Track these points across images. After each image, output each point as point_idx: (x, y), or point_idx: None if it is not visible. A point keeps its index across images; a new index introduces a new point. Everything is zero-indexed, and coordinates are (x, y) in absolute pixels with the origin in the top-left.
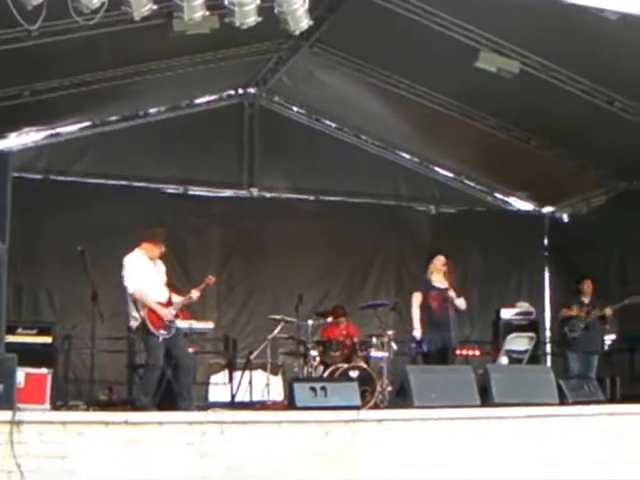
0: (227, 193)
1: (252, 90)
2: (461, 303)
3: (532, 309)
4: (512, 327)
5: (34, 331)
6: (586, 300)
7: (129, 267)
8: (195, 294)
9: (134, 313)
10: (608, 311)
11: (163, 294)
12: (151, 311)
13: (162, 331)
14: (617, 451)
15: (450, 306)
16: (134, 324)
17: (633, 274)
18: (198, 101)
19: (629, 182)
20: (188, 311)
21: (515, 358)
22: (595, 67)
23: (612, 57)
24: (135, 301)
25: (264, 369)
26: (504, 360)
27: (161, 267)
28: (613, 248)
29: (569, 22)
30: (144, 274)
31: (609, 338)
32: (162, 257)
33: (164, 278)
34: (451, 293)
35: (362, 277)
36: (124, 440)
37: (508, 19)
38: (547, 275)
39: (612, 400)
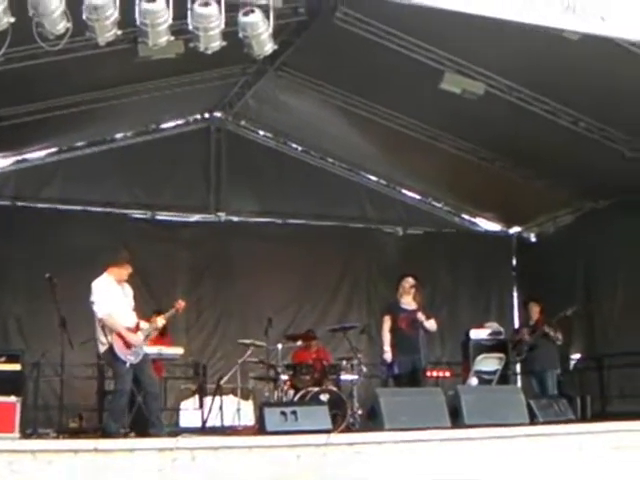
0: (195, 217)
1: (219, 114)
2: (431, 325)
3: (501, 329)
4: (482, 347)
5: (2, 359)
6: (532, 322)
7: (97, 292)
8: (160, 321)
9: (102, 338)
10: (546, 328)
11: (131, 319)
12: (119, 336)
13: (129, 357)
14: (588, 470)
15: (419, 327)
16: (102, 349)
17: (599, 293)
18: (165, 126)
19: (595, 201)
20: (167, 336)
21: (485, 379)
22: (559, 88)
23: (576, 77)
24: (103, 326)
25: (235, 394)
26: (474, 381)
27: (129, 291)
28: (580, 267)
29: (532, 43)
30: (112, 299)
31: (574, 357)
32: (130, 280)
33: (132, 302)
34: (420, 315)
35: (331, 300)
36: (94, 468)
37: (472, 41)
38: (515, 295)
39: (583, 419)
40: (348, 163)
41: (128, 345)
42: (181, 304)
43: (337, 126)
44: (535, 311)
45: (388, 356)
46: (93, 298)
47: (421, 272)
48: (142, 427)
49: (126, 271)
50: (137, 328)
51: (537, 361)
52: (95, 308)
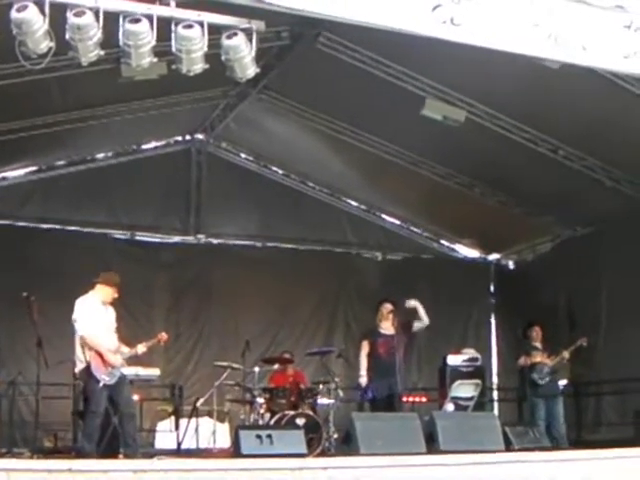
0: (174, 239)
1: (200, 136)
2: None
3: (478, 355)
4: (458, 374)
5: None
6: (539, 346)
7: (80, 310)
8: (141, 349)
9: (80, 356)
10: (565, 354)
11: (112, 341)
12: (97, 356)
13: (104, 376)
14: None
15: (397, 352)
16: (79, 367)
17: (580, 320)
18: (146, 147)
19: (573, 229)
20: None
21: (461, 405)
22: (539, 116)
23: (556, 106)
24: (83, 344)
25: (211, 416)
26: (450, 407)
27: (112, 313)
28: (559, 295)
29: (513, 71)
30: (95, 318)
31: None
32: (113, 303)
33: (114, 324)
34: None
35: (309, 323)
36: None
37: (453, 68)
38: (493, 322)
39: (558, 446)
40: (329, 187)
41: (106, 365)
42: (163, 336)
43: (318, 150)
44: (539, 335)
45: (363, 380)
46: (75, 316)
47: (400, 297)
48: (116, 448)
49: (114, 293)
50: (117, 351)
51: (553, 386)
52: (77, 326)
